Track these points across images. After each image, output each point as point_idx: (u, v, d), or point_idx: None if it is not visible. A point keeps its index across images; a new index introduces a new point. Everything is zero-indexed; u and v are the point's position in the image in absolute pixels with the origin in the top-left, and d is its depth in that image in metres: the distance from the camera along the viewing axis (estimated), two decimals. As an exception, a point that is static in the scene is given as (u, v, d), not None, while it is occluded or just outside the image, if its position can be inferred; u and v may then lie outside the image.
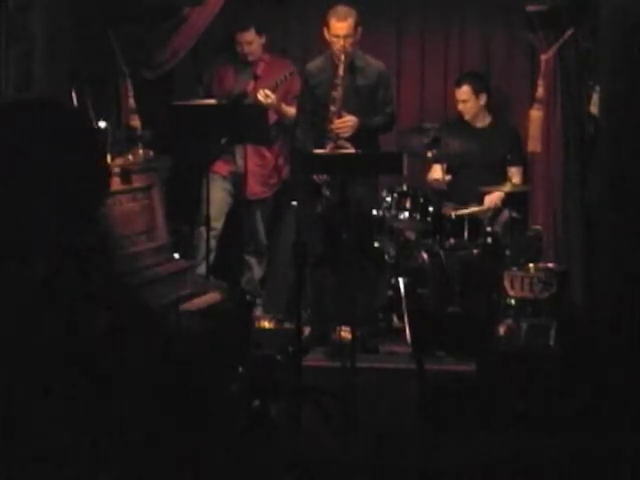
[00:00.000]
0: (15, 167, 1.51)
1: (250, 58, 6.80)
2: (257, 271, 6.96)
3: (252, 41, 6.76)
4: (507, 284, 5.89)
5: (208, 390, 1.56)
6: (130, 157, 5.37)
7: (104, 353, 1.49)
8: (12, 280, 1.50)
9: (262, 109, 6.30)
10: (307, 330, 6.17)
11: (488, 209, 6.52)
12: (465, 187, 6.61)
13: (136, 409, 1.48)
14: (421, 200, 6.28)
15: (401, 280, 6.27)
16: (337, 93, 6.23)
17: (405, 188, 6.33)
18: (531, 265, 5.97)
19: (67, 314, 1.50)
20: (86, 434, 1.46)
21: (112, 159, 5.04)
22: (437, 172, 6.69)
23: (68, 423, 1.46)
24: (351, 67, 6.32)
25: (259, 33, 6.78)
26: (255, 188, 6.80)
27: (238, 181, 6.73)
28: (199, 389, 1.55)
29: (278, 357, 5.37)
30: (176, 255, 5.53)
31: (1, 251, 1.51)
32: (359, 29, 6.26)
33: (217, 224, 6.57)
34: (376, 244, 6.32)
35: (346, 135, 6.22)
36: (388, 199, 6.29)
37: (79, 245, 1.55)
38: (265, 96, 6.47)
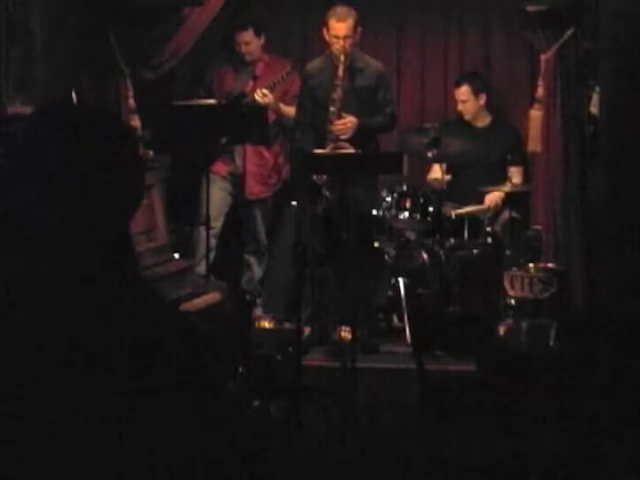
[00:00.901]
0: (55, 170, 1.52)
1: (248, 58, 6.80)
2: (257, 271, 6.97)
3: (250, 41, 6.76)
4: (507, 284, 5.88)
5: (208, 390, 1.57)
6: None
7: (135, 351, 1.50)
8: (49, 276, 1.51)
9: (262, 109, 6.30)
10: (307, 330, 6.17)
11: (488, 209, 6.52)
12: (465, 187, 6.61)
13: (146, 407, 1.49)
14: (421, 200, 6.28)
15: (401, 280, 6.27)
16: (337, 94, 6.23)
17: (405, 188, 6.33)
18: (531, 265, 5.97)
19: (99, 312, 1.51)
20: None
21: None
22: (437, 172, 6.69)
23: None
24: (351, 68, 6.32)
25: (258, 33, 6.78)
26: (255, 188, 6.81)
27: (237, 181, 6.74)
28: (199, 388, 1.55)
29: (278, 357, 5.38)
30: (176, 255, 5.53)
31: (38, 249, 1.52)
32: (359, 29, 6.26)
33: (216, 224, 6.57)
34: (376, 244, 6.32)
35: (346, 136, 6.22)
36: (388, 199, 6.29)
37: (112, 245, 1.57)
38: (262, 96, 6.47)
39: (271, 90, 6.52)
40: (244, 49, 6.78)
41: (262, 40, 6.82)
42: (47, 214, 1.51)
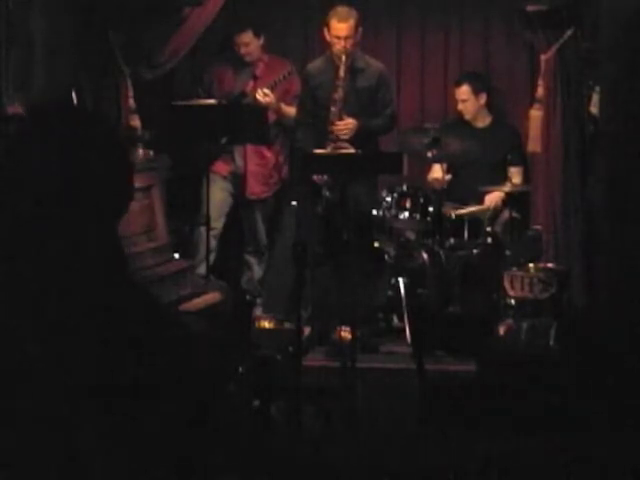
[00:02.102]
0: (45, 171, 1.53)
1: (248, 59, 6.80)
2: (257, 271, 6.97)
3: (250, 42, 6.76)
4: (507, 284, 5.88)
5: (208, 389, 1.57)
6: (130, 157, 5.36)
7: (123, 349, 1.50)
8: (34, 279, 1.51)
9: (262, 109, 6.30)
10: (307, 330, 6.17)
11: (488, 209, 6.52)
12: (465, 187, 6.61)
13: (145, 407, 1.49)
14: (421, 200, 6.28)
15: (401, 280, 6.26)
16: (338, 94, 6.23)
17: (405, 188, 6.33)
18: (531, 265, 5.96)
19: (88, 312, 1.51)
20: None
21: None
22: (437, 172, 6.69)
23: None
24: (352, 68, 6.32)
25: (257, 34, 6.78)
26: (255, 188, 6.81)
27: (238, 181, 6.73)
28: (200, 388, 1.55)
29: (278, 357, 5.37)
30: (176, 255, 5.53)
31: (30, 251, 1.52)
32: (360, 30, 6.26)
33: (217, 224, 6.58)
34: (376, 244, 6.32)
35: (346, 137, 6.22)
36: (388, 199, 6.29)
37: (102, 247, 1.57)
38: (264, 95, 6.48)
39: (272, 90, 6.52)
40: (243, 50, 6.78)
41: (261, 41, 6.82)
42: (38, 214, 1.51)
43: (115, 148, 1.60)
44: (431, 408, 4.96)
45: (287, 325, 6.46)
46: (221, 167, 6.78)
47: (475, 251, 6.28)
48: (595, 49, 6.17)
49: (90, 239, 1.55)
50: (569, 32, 6.42)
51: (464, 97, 6.81)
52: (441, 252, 6.26)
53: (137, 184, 5.08)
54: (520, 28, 6.71)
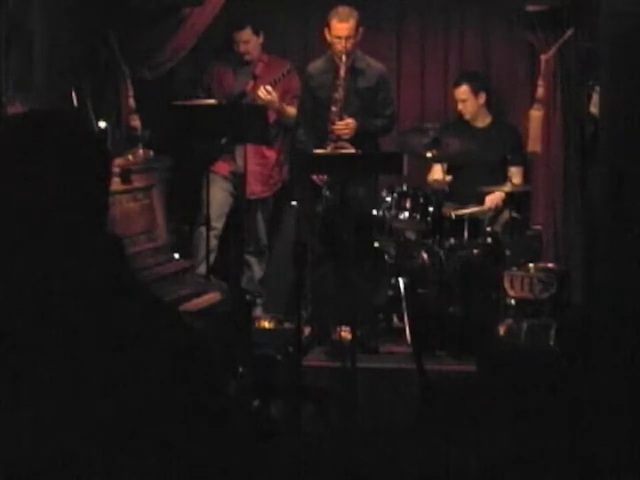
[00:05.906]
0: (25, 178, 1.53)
1: (247, 57, 6.80)
2: (257, 271, 6.97)
3: (249, 40, 6.77)
4: (507, 284, 5.88)
5: (209, 388, 1.57)
6: (130, 157, 5.39)
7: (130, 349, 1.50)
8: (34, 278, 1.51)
9: (262, 109, 6.30)
10: (307, 330, 6.17)
11: (489, 209, 6.52)
12: (465, 187, 6.61)
13: (152, 403, 1.49)
14: (421, 200, 6.28)
15: (401, 280, 6.26)
16: (338, 94, 6.24)
17: (405, 188, 6.33)
18: (531, 265, 5.97)
19: (81, 311, 1.51)
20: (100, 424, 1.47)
21: (112, 159, 5.03)
22: (437, 172, 6.69)
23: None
24: (352, 69, 6.32)
25: (256, 32, 6.78)
26: (255, 187, 6.81)
27: (238, 181, 6.74)
28: (197, 388, 1.55)
29: (278, 357, 5.38)
30: (176, 255, 5.54)
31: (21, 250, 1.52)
32: (360, 30, 6.26)
33: (218, 224, 6.58)
34: (376, 244, 6.32)
35: (346, 137, 6.23)
36: (388, 199, 6.29)
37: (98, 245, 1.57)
38: (266, 93, 6.47)
39: (273, 87, 6.52)
40: (243, 48, 6.78)
41: (261, 39, 6.82)
42: (23, 217, 1.51)
43: (96, 151, 1.60)
44: (431, 408, 4.96)
45: (287, 325, 6.46)
46: (221, 167, 6.78)
47: (475, 251, 6.28)
48: (595, 49, 6.17)
49: (78, 239, 1.54)
50: (569, 32, 6.43)
51: (463, 97, 6.81)
52: (441, 252, 6.25)
53: (137, 184, 5.09)
54: (520, 28, 6.71)
